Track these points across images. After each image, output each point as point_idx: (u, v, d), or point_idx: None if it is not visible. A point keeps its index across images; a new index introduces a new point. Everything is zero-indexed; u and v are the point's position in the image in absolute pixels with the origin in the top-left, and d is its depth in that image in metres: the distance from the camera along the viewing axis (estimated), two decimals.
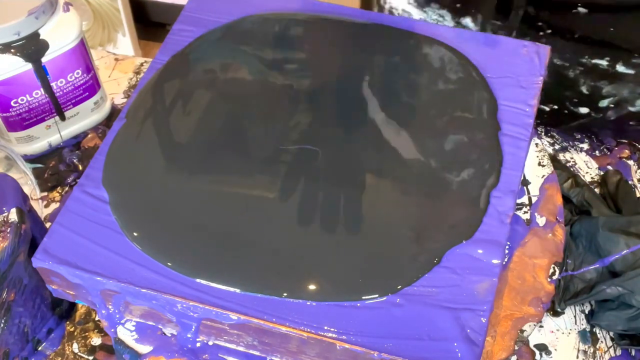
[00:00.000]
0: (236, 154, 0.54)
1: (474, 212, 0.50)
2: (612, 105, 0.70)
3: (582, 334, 0.59)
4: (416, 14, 0.74)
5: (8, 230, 0.50)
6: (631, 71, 0.67)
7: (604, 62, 0.67)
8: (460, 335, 0.45)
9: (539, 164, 0.61)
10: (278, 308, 0.46)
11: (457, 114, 0.56)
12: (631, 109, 0.70)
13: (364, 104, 0.57)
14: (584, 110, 0.71)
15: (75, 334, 0.59)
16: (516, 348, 0.52)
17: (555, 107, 0.72)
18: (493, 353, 0.51)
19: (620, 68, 0.67)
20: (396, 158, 0.54)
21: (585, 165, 0.70)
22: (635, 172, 0.69)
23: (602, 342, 0.58)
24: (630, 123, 0.71)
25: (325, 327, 0.45)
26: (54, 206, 0.67)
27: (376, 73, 0.59)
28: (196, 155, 0.54)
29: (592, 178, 0.69)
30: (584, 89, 0.69)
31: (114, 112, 0.73)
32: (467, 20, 0.70)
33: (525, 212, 0.58)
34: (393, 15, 0.76)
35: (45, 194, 0.68)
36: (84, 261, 0.48)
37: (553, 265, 0.55)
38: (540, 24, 0.68)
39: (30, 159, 0.69)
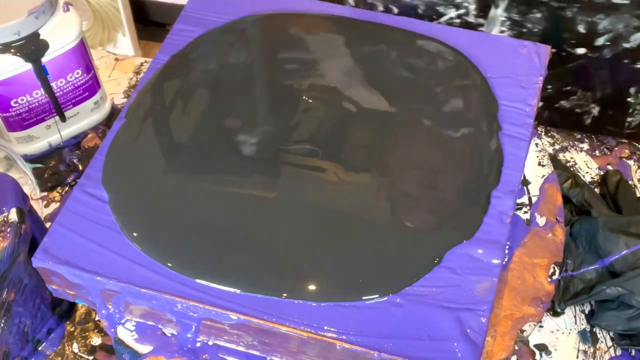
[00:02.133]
0: (236, 153, 0.54)
1: (474, 212, 0.50)
2: (608, 43, 0.71)
3: (582, 334, 0.59)
4: None
5: (8, 230, 0.50)
6: (626, 0, 0.68)
7: None
8: (460, 335, 0.45)
9: (539, 164, 0.61)
10: (278, 308, 0.46)
11: (458, 114, 0.56)
12: (626, 45, 0.71)
13: (364, 103, 0.57)
14: (580, 51, 0.72)
15: (75, 334, 0.59)
16: (516, 348, 0.52)
17: (554, 50, 0.72)
18: (493, 353, 0.51)
19: None
20: (396, 158, 0.54)
21: (585, 165, 0.70)
22: (635, 172, 0.69)
23: (602, 342, 0.58)
24: (625, 61, 0.72)
25: (325, 327, 0.45)
26: (54, 206, 0.67)
27: (377, 73, 0.59)
28: (196, 155, 0.54)
29: (592, 178, 0.69)
30: (581, 28, 0.69)
31: (114, 112, 0.73)
32: None
33: (525, 212, 0.58)
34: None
35: (45, 194, 0.67)
36: (84, 261, 0.48)
37: (553, 265, 0.55)
38: None
39: (30, 159, 0.69)
